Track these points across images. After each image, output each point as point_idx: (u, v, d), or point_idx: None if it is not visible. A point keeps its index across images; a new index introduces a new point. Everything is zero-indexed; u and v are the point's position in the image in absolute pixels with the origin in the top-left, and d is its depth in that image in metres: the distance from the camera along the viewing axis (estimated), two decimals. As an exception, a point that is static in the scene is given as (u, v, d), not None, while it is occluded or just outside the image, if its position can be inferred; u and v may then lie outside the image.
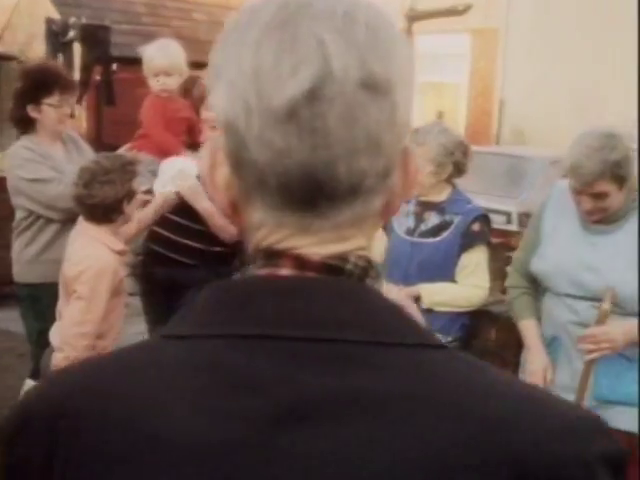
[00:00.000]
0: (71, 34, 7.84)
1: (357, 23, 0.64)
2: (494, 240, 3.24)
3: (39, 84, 3.26)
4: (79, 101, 5.74)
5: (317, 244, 0.67)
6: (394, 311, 0.67)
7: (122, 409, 0.64)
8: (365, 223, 0.68)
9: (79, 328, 2.62)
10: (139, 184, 2.86)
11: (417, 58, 12.05)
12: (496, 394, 0.64)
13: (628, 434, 2.31)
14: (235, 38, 0.66)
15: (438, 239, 2.87)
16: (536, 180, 7.46)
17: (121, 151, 3.37)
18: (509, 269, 2.80)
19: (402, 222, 2.97)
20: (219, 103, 0.66)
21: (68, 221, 3.11)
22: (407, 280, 2.86)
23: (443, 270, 2.85)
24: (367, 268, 0.68)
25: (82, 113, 7.80)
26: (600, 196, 2.40)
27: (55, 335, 2.78)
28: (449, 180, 2.93)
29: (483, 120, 10.88)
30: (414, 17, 11.66)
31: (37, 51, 7.86)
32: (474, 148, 3.11)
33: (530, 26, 10.77)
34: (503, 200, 7.29)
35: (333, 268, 0.66)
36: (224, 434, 0.61)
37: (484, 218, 2.91)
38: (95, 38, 7.87)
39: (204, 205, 3.16)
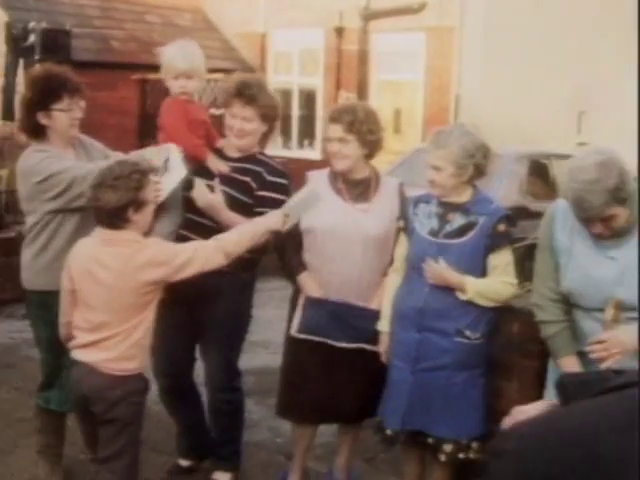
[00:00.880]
0: (32, 39, 7.70)
1: None
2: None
3: (46, 91, 3.23)
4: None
5: None
6: None
7: None
8: None
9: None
10: (150, 194, 2.80)
11: (373, 56, 12.17)
12: None
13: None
14: None
15: (464, 239, 2.94)
16: (504, 176, 7.58)
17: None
18: (538, 303, 2.75)
19: (425, 223, 3.01)
20: None
21: (80, 228, 3.11)
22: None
23: (470, 269, 2.92)
24: None
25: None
26: (609, 219, 2.48)
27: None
28: (470, 181, 2.99)
29: (440, 116, 11.02)
30: (370, 16, 11.77)
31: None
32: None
33: (484, 24, 10.98)
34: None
35: None
36: None
37: (508, 218, 2.99)
38: (56, 42, 7.74)
39: (229, 215, 3.17)
